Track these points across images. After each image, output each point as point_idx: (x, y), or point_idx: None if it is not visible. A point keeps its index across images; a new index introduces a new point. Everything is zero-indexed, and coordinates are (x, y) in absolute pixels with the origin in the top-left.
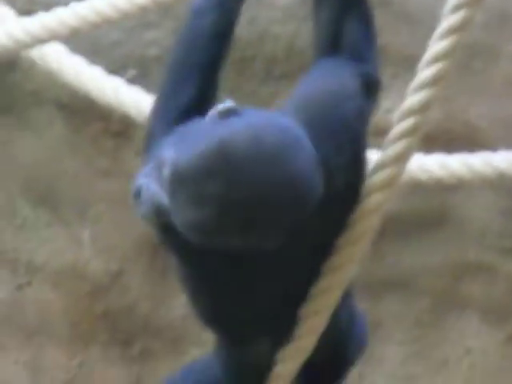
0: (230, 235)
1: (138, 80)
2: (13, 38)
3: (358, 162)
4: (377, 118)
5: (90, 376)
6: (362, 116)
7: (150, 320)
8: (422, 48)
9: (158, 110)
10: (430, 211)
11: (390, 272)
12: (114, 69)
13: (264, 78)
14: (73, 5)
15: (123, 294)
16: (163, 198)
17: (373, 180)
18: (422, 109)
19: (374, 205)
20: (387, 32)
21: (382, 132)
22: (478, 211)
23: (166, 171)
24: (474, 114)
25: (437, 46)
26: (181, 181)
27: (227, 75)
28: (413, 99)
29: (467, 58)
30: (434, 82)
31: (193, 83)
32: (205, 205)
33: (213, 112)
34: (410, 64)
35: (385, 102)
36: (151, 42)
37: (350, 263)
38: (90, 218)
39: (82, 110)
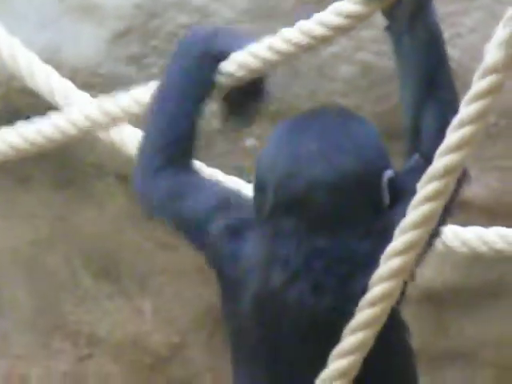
0: None
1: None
2: (88, 117)
3: None
4: None
5: None
6: None
7: None
8: None
9: (150, 144)
10: (490, 283)
11: (452, 343)
12: None
13: None
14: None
15: (184, 367)
16: None
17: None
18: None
19: (397, 269)
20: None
21: None
22: None
23: None
24: None
25: None
26: None
27: None
28: None
29: None
30: None
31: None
32: None
33: None
34: None
35: None
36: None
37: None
38: (151, 290)
39: None
